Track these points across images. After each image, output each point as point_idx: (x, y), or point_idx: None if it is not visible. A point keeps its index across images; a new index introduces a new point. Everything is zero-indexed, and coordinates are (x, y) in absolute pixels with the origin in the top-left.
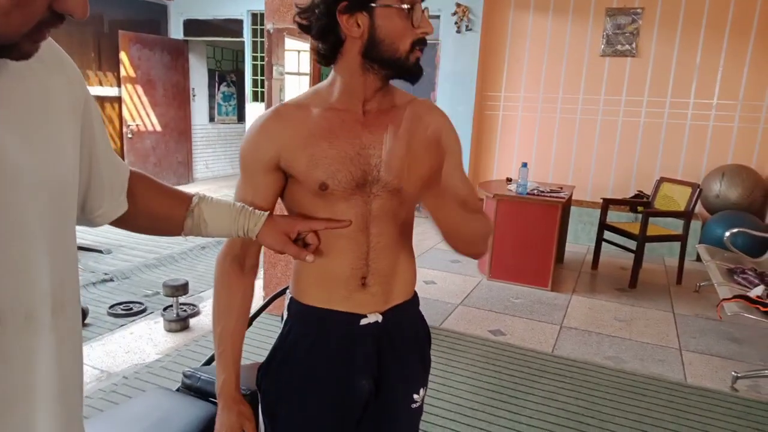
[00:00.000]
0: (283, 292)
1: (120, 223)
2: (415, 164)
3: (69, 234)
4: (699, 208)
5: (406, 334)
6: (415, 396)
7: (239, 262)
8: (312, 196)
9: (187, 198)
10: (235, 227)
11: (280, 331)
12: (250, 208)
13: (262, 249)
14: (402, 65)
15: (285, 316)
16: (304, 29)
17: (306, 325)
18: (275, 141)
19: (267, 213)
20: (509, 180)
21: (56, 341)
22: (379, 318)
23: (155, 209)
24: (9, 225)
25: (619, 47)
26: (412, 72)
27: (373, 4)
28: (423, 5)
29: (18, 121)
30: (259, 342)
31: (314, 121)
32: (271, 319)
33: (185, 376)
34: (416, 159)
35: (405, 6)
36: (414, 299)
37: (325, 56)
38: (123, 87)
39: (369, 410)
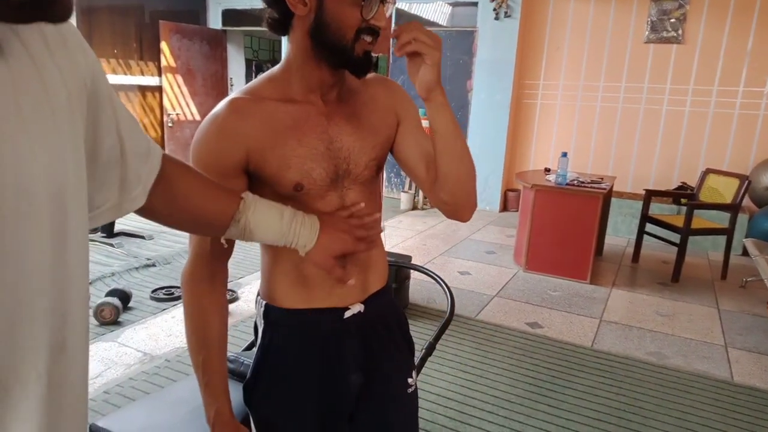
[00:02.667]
0: None
1: (150, 215)
2: (374, 136)
3: (72, 251)
4: (746, 201)
5: (389, 321)
6: (409, 380)
7: (209, 280)
8: (282, 198)
9: (234, 201)
10: (286, 238)
11: (258, 343)
12: (302, 215)
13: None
14: (347, 54)
15: (261, 326)
16: None
17: (289, 330)
18: (240, 142)
19: (320, 228)
20: (547, 170)
21: (45, 403)
22: (361, 308)
23: (195, 209)
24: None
25: (664, 34)
26: (357, 64)
27: None
28: None
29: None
30: None
31: (277, 117)
32: None
33: (229, 360)
34: (374, 131)
35: None
36: (388, 286)
37: (274, 26)
38: (164, 76)
39: (363, 403)
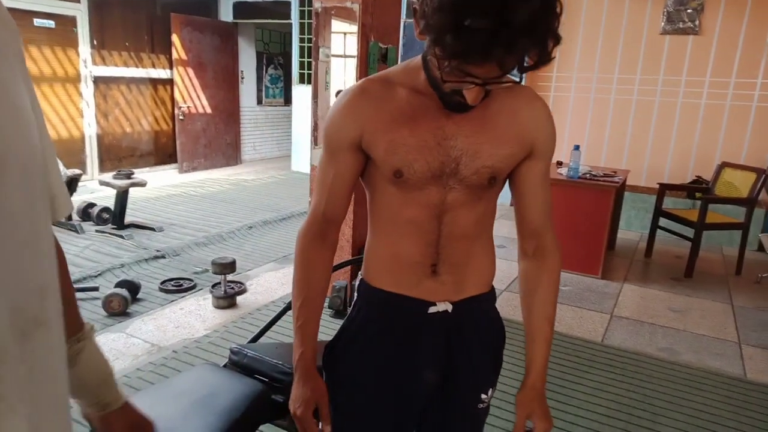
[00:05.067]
0: (351, 263)
1: None
2: (494, 146)
3: (45, 224)
4: (763, 195)
5: (479, 329)
6: (483, 396)
7: (320, 237)
8: (387, 182)
9: (80, 322)
10: (107, 383)
11: (348, 313)
12: (117, 383)
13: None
14: (439, 94)
15: (355, 297)
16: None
17: (373, 309)
18: (358, 120)
19: (124, 401)
20: (560, 163)
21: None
22: (449, 307)
23: None
24: None
25: (680, 25)
26: (445, 100)
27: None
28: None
29: None
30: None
31: (398, 104)
32: None
33: (233, 352)
34: (497, 142)
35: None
36: (490, 294)
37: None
38: (175, 69)
39: (434, 404)
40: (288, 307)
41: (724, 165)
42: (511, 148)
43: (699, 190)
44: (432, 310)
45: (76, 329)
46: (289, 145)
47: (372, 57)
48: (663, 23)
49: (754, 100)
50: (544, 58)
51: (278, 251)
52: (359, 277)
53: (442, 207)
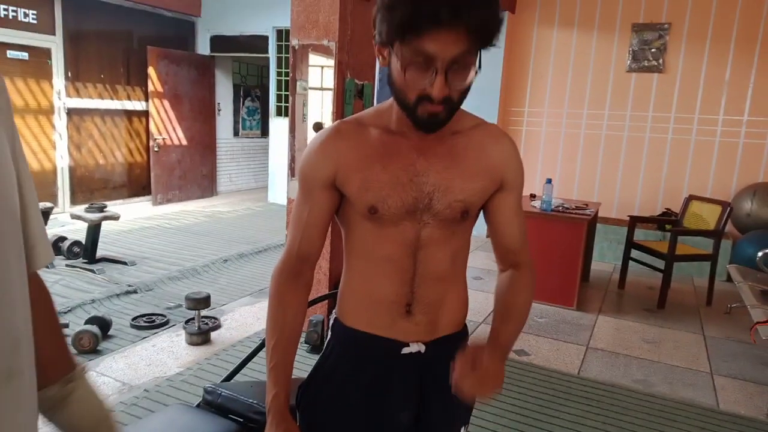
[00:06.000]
0: (327, 297)
1: None
2: (464, 180)
3: (19, 274)
4: (729, 227)
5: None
6: (462, 430)
7: (294, 276)
8: (362, 218)
9: (72, 362)
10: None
11: (322, 351)
12: (116, 426)
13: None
14: (411, 114)
15: (329, 336)
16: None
17: (347, 348)
18: (333, 159)
19: None
20: (533, 196)
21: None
22: (422, 348)
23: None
24: None
25: (645, 63)
26: (419, 125)
27: (392, 43)
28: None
29: None
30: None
31: (371, 143)
32: None
33: (206, 391)
34: (467, 176)
35: (418, 59)
36: (463, 332)
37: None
38: (150, 101)
39: None
40: (263, 345)
41: (691, 198)
42: (482, 181)
43: (668, 222)
44: (405, 351)
45: (66, 369)
46: (265, 177)
47: (348, 93)
48: (629, 61)
49: (717, 135)
50: (494, 25)
51: (254, 285)
52: (333, 315)
53: (417, 243)
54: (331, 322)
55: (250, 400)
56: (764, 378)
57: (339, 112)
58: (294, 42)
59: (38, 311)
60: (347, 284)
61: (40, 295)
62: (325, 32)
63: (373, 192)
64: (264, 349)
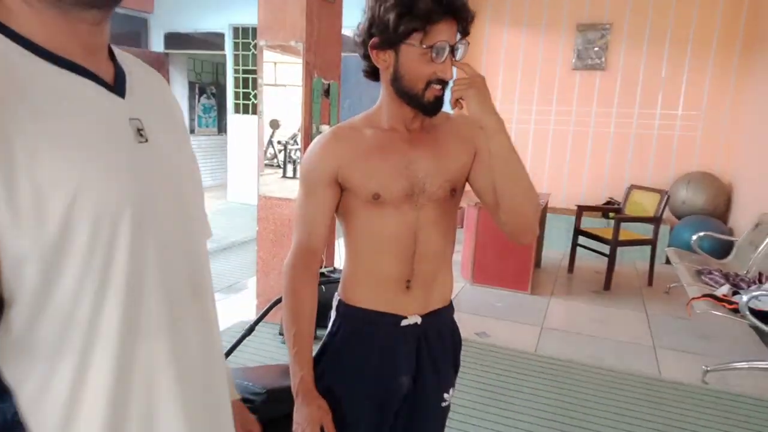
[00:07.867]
0: (277, 302)
1: None
2: (449, 161)
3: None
4: (667, 213)
5: (442, 338)
6: (445, 395)
7: (305, 268)
8: (365, 205)
9: None
10: None
11: (327, 329)
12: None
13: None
14: (418, 100)
15: (333, 316)
16: (357, 49)
17: (354, 324)
18: (334, 158)
19: (237, 398)
20: None
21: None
22: (419, 320)
23: None
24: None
25: (589, 61)
26: (426, 108)
27: (398, 44)
28: (460, 46)
29: None
30: (255, 349)
31: (367, 140)
32: (268, 327)
33: None
34: (451, 158)
35: (425, 46)
36: (450, 307)
37: (369, 75)
38: None
39: (405, 404)
40: (243, 337)
41: (632, 187)
42: (462, 159)
43: (612, 210)
44: (404, 323)
45: None
46: (223, 174)
47: (316, 92)
48: (574, 60)
49: (654, 128)
50: (472, 18)
51: (222, 281)
52: (336, 297)
53: (416, 224)
54: (335, 304)
55: (246, 382)
56: (700, 348)
57: (308, 110)
58: (261, 42)
59: None
60: (351, 269)
61: None
62: (293, 33)
63: (376, 180)
64: (245, 341)
